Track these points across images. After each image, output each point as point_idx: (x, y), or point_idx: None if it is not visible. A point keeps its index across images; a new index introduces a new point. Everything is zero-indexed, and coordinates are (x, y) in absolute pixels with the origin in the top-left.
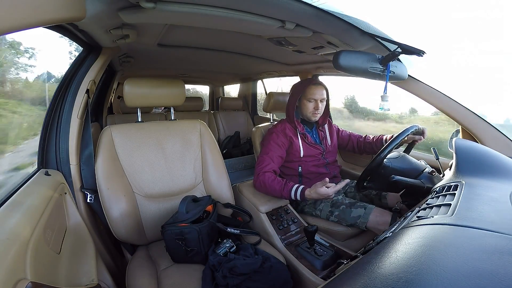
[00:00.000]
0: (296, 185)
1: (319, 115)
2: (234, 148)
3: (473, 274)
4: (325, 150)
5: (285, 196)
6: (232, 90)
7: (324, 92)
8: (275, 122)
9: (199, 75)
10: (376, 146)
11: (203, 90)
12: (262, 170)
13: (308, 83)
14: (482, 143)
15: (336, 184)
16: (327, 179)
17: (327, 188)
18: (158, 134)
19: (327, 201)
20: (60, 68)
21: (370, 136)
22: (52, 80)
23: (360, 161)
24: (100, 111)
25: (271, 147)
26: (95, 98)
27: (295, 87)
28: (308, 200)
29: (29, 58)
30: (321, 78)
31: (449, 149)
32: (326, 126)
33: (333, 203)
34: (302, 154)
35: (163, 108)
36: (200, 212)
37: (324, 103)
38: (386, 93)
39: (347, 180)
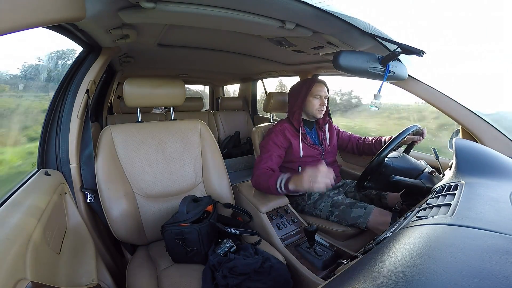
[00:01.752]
0: (283, 175)
1: (323, 112)
2: (234, 148)
3: (473, 274)
4: (324, 151)
5: (271, 185)
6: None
7: (326, 89)
8: (275, 122)
9: (199, 75)
10: (375, 148)
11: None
12: (260, 167)
13: (313, 81)
14: (482, 143)
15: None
16: (323, 168)
17: (316, 179)
18: (158, 134)
19: (327, 201)
20: None
21: (370, 137)
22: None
23: (360, 161)
24: (100, 111)
25: (269, 147)
26: (95, 98)
27: (299, 86)
28: (293, 191)
29: None
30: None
31: (449, 149)
32: (326, 126)
33: (333, 203)
34: (301, 154)
35: (163, 108)
36: (200, 212)
37: (326, 101)
38: (380, 92)
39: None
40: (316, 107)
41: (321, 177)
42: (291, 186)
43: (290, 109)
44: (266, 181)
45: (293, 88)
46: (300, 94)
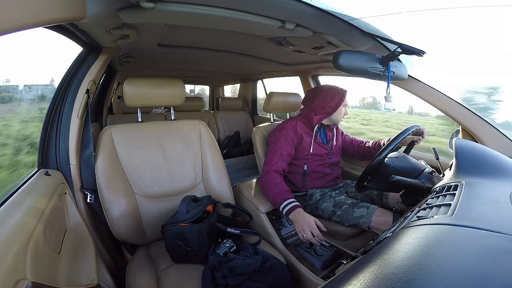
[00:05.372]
0: (292, 200)
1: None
2: (234, 148)
3: (473, 274)
4: (331, 150)
5: (276, 202)
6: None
7: None
8: (276, 122)
9: (199, 75)
10: (375, 150)
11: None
12: (272, 169)
13: (345, 91)
14: (482, 143)
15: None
16: (313, 224)
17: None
18: (158, 134)
19: (329, 201)
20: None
21: (370, 141)
22: None
23: (360, 161)
24: (100, 111)
25: (280, 144)
26: (95, 98)
27: (333, 91)
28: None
29: None
30: (321, 78)
31: (449, 149)
32: (334, 128)
33: (335, 203)
34: (311, 151)
35: (163, 108)
36: (200, 212)
37: None
38: (389, 93)
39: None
40: (341, 116)
41: (308, 231)
42: (291, 217)
43: (317, 109)
44: (274, 194)
45: (325, 91)
46: (334, 99)
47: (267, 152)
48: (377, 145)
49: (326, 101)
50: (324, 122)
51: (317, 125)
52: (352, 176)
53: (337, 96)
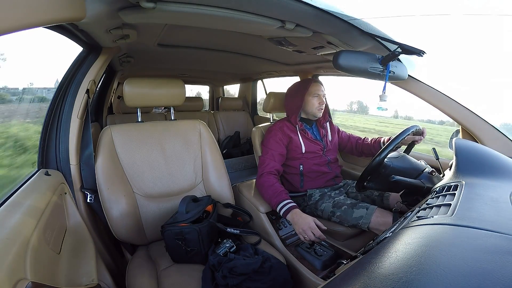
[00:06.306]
0: (288, 201)
1: (323, 110)
2: (234, 148)
3: (473, 274)
4: (326, 147)
5: (273, 203)
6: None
7: (323, 88)
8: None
9: (199, 75)
10: (374, 148)
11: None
12: (265, 170)
13: (310, 81)
14: (482, 143)
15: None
16: (313, 224)
17: (312, 230)
18: (158, 134)
19: (328, 202)
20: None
21: (369, 138)
22: None
23: (360, 161)
24: (100, 111)
25: (270, 145)
26: (95, 98)
27: (296, 86)
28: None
29: None
30: (321, 78)
31: (449, 149)
32: (327, 125)
33: (334, 203)
34: (304, 150)
35: (163, 108)
36: (200, 212)
37: (324, 99)
38: (384, 93)
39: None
40: (315, 106)
41: (310, 232)
42: (289, 218)
43: (289, 109)
44: (269, 196)
45: (290, 89)
46: (298, 94)
47: (260, 156)
48: (376, 142)
49: (293, 98)
50: (304, 116)
51: (300, 123)
52: (352, 176)
53: (301, 88)
